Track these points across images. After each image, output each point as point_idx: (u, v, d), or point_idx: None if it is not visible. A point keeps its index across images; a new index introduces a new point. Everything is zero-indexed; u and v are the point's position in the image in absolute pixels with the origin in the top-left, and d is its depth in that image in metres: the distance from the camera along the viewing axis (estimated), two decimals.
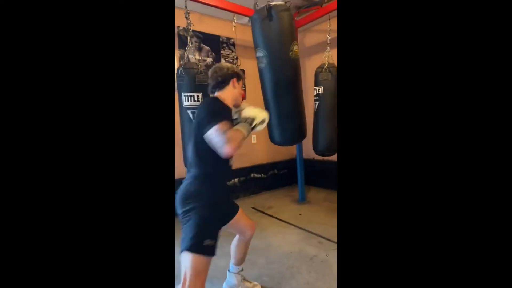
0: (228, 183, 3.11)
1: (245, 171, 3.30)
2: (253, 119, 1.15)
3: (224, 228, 1.21)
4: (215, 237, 1.07)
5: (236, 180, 3.22)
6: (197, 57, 2.93)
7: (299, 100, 1.78)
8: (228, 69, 1.21)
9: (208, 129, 0.99)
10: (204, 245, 1.01)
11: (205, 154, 1.07)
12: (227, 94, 1.20)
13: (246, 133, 1.06)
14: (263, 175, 3.49)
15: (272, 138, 1.89)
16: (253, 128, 1.15)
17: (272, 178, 3.58)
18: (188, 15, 2.12)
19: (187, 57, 2.03)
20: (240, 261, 1.42)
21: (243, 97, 1.30)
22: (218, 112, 1.07)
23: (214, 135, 0.98)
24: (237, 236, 1.38)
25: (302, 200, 3.00)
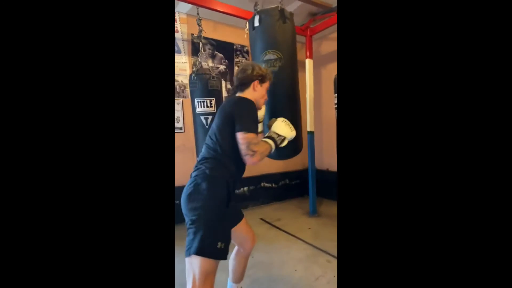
0: (237, 191, 3.10)
1: (254, 180, 3.22)
2: (283, 139, 1.13)
3: None
4: (227, 239, 1.00)
5: (245, 189, 3.15)
6: (210, 64, 2.93)
7: (300, 109, 1.68)
8: (251, 70, 1.16)
9: (244, 131, 0.98)
10: (217, 248, 0.94)
11: (229, 149, 1.03)
12: (247, 96, 1.14)
13: (272, 150, 1.08)
14: (273, 185, 3.39)
15: None
16: (277, 147, 1.12)
17: (283, 188, 3.47)
18: (200, 22, 2.12)
19: (200, 63, 2.02)
20: (239, 277, 1.33)
21: (266, 100, 1.25)
22: (256, 119, 1.06)
23: (247, 140, 0.98)
24: (235, 249, 1.30)
25: (313, 213, 2.87)
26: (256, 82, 1.16)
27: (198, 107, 1.82)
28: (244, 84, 1.16)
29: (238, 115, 1.02)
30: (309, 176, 2.88)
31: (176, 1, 2.41)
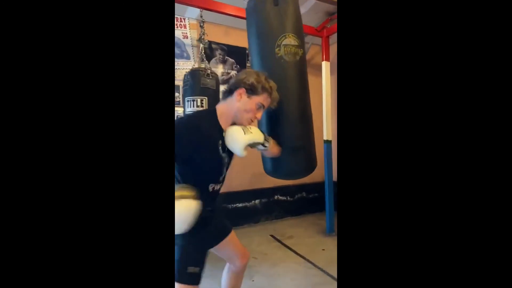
0: (248, 204, 2.91)
1: (268, 192, 3.00)
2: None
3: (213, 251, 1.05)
4: (199, 263, 0.92)
5: (256, 201, 2.94)
6: (221, 69, 2.82)
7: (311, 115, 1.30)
8: (245, 76, 0.93)
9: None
10: (187, 273, 0.88)
11: (186, 174, 0.91)
12: (226, 108, 0.95)
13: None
14: (289, 198, 3.13)
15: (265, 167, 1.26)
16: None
17: (300, 202, 3.20)
18: (203, 24, 2.03)
19: (197, 63, 1.90)
20: None
21: (256, 118, 0.97)
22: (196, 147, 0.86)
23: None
24: (227, 265, 1.15)
25: (330, 231, 2.56)
26: (242, 91, 0.92)
27: (188, 106, 1.63)
28: (229, 91, 0.95)
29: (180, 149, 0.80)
30: (325, 189, 2.60)
31: (186, 7, 2.36)
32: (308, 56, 3.14)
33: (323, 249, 2.20)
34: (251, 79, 0.92)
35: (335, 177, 2.67)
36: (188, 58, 2.66)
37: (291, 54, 1.09)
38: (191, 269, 0.89)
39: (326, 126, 2.58)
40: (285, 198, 3.11)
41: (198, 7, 2.02)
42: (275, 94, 0.96)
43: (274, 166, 1.15)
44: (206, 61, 1.95)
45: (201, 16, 2.04)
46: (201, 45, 1.97)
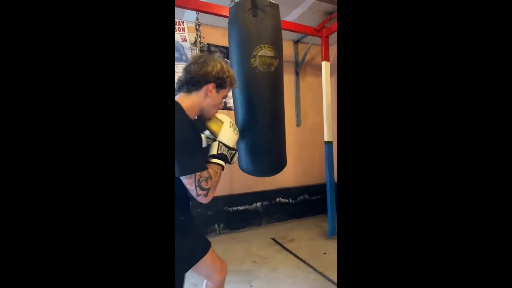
0: (249, 206, 2.88)
1: (269, 195, 2.97)
2: (234, 154, 0.94)
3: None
4: (178, 283, 0.87)
5: (258, 204, 2.91)
6: None
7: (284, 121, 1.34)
8: (212, 68, 0.86)
9: (186, 174, 0.79)
10: None
11: None
12: (194, 101, 0.87)
13: (223, 169, 0.89)
14: (290, 200, 3.10)
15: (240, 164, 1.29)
16: (228, 162, 0.93)
17: (302, 204, 3.16)
18: (199, 27, 2.04)
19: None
20: None
21: (219, 108, 0.97)
22: (196, 146, 0.84)
23: (194, 183, 0.80)
24: (204, 282, 1.09)
25: (332, 233, 2.51)
26: (211, 86, 0.87)
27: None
28: (194, 83, 0.86)
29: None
30: (327, 191, 2.55)
31: (184, 10, 2.36)
32: (308, 57, 3.11)
33: (324, 253, 2.16)
34: (221, 72, 0.87)
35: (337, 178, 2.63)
36: (187, 61, 2.66)
37: (266, 65, 1.14)
38: None
39: (326, 127, 2.53)
40: (287, 200, 3.08)
41: (194, 9, 2.02)
42: (234, 82, 0.94)
43: (248, 165, 1.21)
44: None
45: (197, 19, 2.04)
46: (196, 48, 1.97)
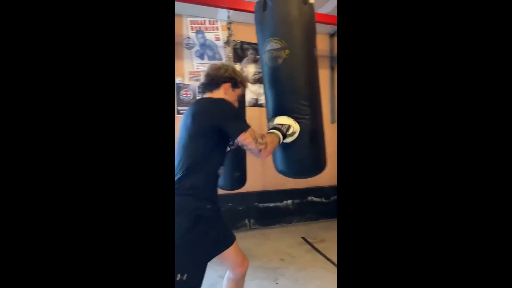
0: (280, 204, 2.86)
1: (301, 193, 2.91)
2: (288, 127, 1.04)
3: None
4: (191, 270, 0.86)
5: (289, 202, 2.88)
6: (253, 69, 2.83)
7: (322, 116, 1.32)
8: (224, 71, 1.06)
9: (242, 131, 0.92)
10: (175, 280, 0.82)
11: (202, 160, 0.94)
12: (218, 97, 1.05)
13: (280, 141, 1.01)
14: (323, 200, 3.01)
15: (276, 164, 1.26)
16: (284, 136, 1.03)
17: (335, 204, 3.03)
18: (230, 25, 2.06)
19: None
20: None
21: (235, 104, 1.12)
22: (242, 115, 1.10)
23: (251, 137, 0.92)
24: (227, 272, 1.15)
25: None
26: (227, 85, 1.06)
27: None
28: (214, 84, 1.05)
29: (225, 119, 0.94)
30: None
31: (216, 9, 2.42)
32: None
33: None
34: (232, 73, 1.05)
35: None
36: (220, 59, 2.72)
37: (273, 59, 1.10)
38: (179, 276, 0.83)
39: None
40: (319, 199, 2.99)
41: (226, 8, 2.04)
42: (246, 82, 1.14)
43: (283, 166, 1.19)
44: (232, 62, 1.98)
45: (229, 17, 2.06)
46: (228, 47, 2.00)
